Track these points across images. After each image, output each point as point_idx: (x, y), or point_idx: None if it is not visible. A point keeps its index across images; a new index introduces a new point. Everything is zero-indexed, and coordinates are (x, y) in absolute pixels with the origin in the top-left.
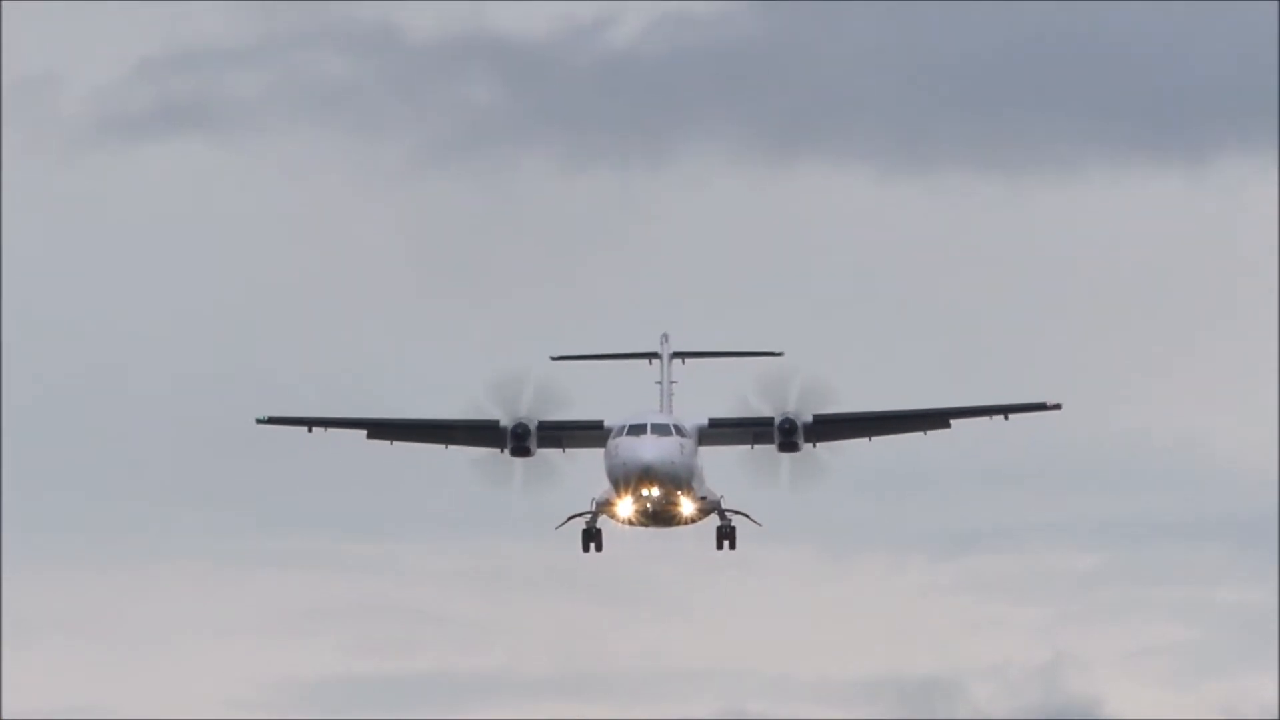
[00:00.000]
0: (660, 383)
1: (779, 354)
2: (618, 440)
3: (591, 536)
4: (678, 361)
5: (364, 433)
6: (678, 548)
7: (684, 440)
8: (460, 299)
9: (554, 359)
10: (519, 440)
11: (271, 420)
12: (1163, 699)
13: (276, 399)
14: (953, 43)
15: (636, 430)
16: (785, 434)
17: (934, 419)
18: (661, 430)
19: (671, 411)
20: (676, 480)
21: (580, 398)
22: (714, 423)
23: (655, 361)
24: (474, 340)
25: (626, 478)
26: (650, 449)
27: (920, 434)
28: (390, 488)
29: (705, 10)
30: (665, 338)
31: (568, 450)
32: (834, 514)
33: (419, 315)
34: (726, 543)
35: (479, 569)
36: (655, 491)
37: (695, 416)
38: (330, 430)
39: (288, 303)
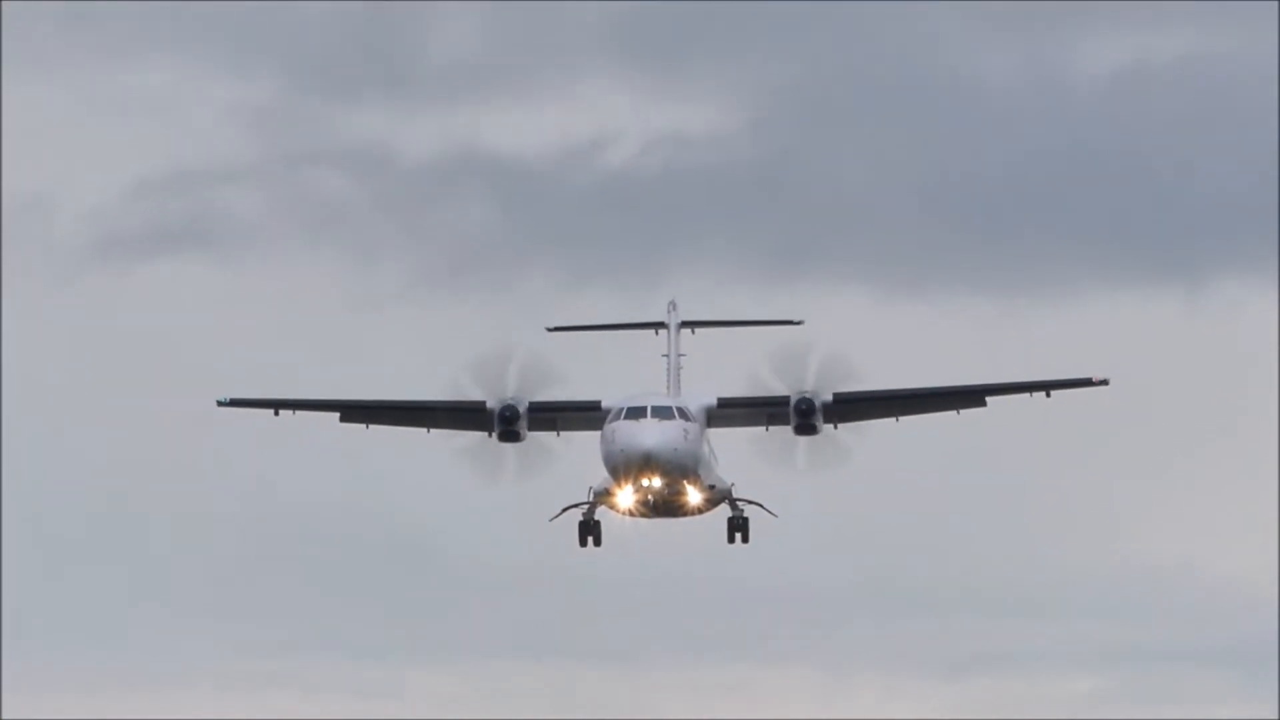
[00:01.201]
0: (667, 356)
1: (798, 322)
2: (615, 425)
3: (589, 530)
4: (687, 332)
5: (336, 415)
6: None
7: (688, 424)
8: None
9: (550, 330)
10: (507, 423)
11: (234, 402)
12: None
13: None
14: (950, 163)
15: (635, 413)
16: (802, 414)
17: (968, 397)
18: (663, 413)
19: (679, 387)
20: (681, 468)
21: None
22: (723, 403)
23: (662, 332)
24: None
25: (626, 466)
26: (651, 434)
27: (953, 414)
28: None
29: (702, 130)
30: (673, 305)
31: (562, 434)
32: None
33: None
34: (739, 535)
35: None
36: (657, 481)
37: (703, 395)
38: (300, 414)
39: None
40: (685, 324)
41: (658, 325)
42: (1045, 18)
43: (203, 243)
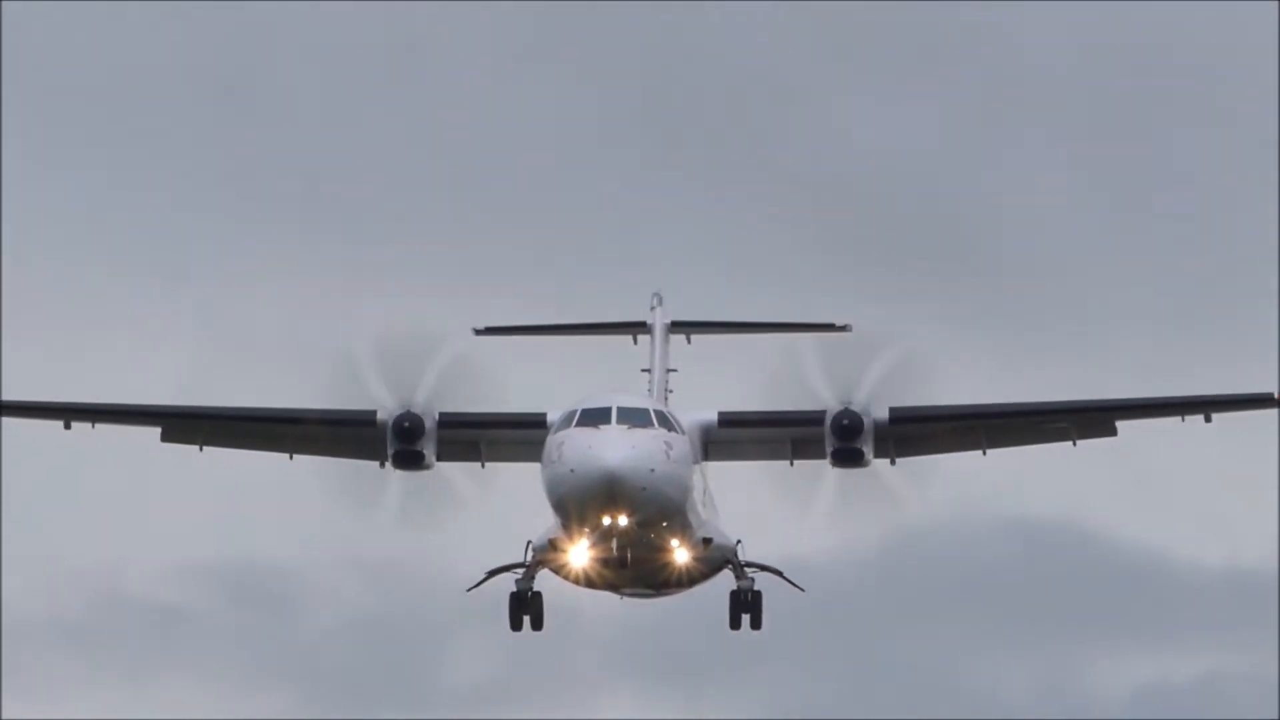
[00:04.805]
0: (649, 370)
1: (843, 328)
2: (564, 434)
3: (525, 604)
4: (679, 338)
5: (157, 431)
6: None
7: (672, 437)
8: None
9: (479, 332)
10: (406, 440)
11: (8, 408)
12: None
13: None
14: None
15: (594, 417)
16: (844, 435)
17: (1091, 419)
18: (635, 418)
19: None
20: (661, 502)
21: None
22: (726, 420)
23: (642, 338)
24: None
25: (577, 497)
26: (616, 447)
27: (1068, 445)
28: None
29: None
30: (658, 299)
31: (489, 464)
32: None
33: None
34: (747, 616)
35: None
36: (624, 520)
37: (696, 410)
38: (101, 427)
39: None
40: (676, 326)
41: (637, 328)
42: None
43: None
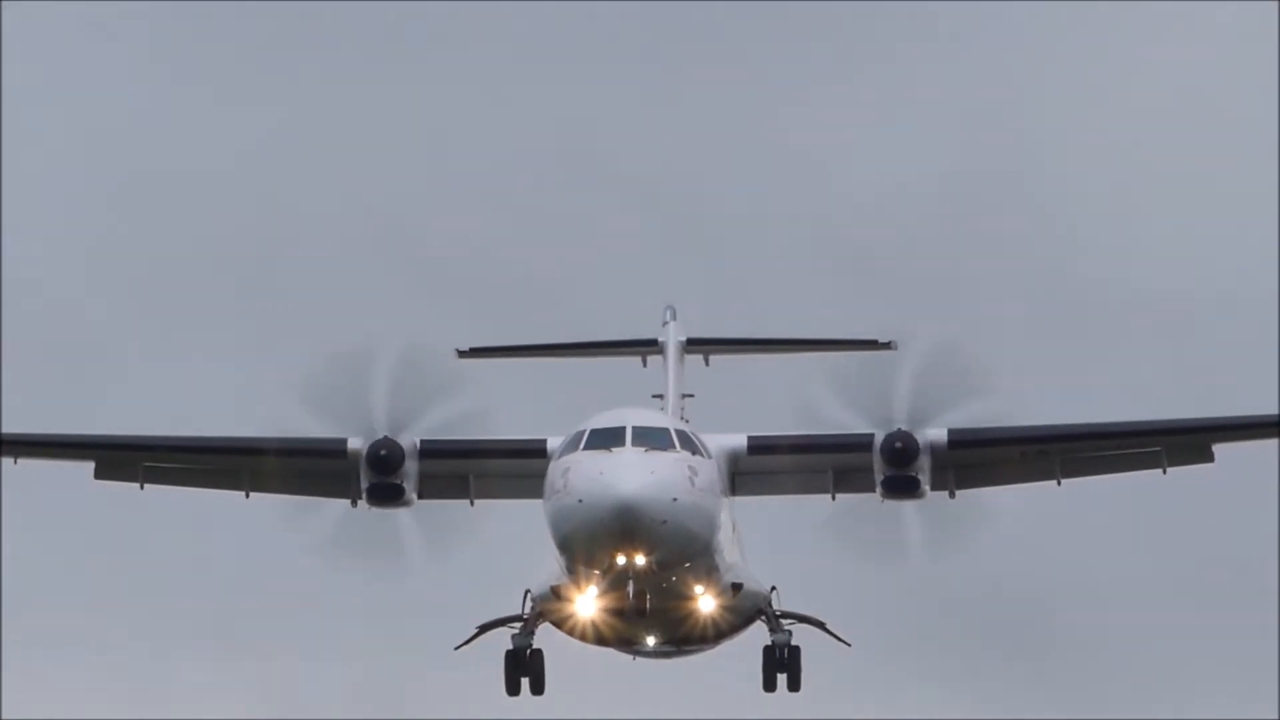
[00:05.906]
0: (662, 395)
1: (888, 345)
2: (569, 460)
3: (523, 664)
4: (696, 359)
5: (90, 466)
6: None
7: (696, 461)
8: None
9: (464, 354)
10: (382, 471)
11: None
12: None
13: None
14: None
15: (605, 439)
16: (897, 460)
17: (1183, 441)
18: (653, 439)
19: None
20: (685, 538)
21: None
22: (757, 446)
23: (653, 360)
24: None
25: (587, 532)
26: (632, 472)
27: (1158, 473)
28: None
29: None
30: (671, 314)
31: (480, 500)
32: None
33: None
34: (784, 676)
35: None
36: (640, 560)
37: (722, 435)
38: (24, 464)
39: None
40: (692, 344)
41: (646, 347)
42: None
43: None
